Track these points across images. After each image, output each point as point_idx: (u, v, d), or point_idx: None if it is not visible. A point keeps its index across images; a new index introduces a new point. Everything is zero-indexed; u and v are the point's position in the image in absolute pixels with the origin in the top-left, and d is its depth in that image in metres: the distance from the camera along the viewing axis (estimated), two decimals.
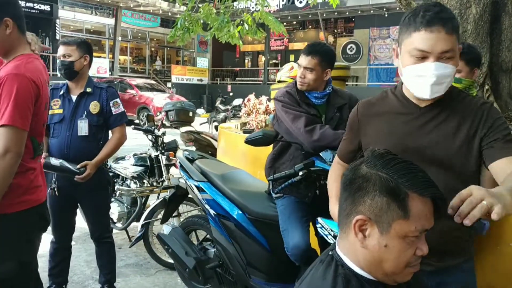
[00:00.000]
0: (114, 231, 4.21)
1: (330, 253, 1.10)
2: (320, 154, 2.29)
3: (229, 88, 21.99)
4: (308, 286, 1.06)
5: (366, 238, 0.99)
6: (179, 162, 3.10)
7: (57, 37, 19.54)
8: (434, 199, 0.99)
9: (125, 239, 4.31)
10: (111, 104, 2.94)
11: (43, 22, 20.33)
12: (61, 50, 2.84)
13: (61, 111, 2.86)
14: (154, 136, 4.04)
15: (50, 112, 2.88)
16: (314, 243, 2.38)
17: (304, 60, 2.43)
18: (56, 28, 20.20)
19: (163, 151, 4.01)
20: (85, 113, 2.86)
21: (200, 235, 3.39)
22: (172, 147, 4.07)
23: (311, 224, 2.47)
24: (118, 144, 2.98)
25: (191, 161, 3.04)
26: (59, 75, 2.95)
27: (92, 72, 3.35)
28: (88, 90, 2.90)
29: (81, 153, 2.79)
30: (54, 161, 2.73)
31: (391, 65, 18.59)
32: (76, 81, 2.89)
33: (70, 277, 3.28)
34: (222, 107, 13.75)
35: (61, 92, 2.90)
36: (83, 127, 2.84)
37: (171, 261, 3.35)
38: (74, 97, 2.89)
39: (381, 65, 19.22)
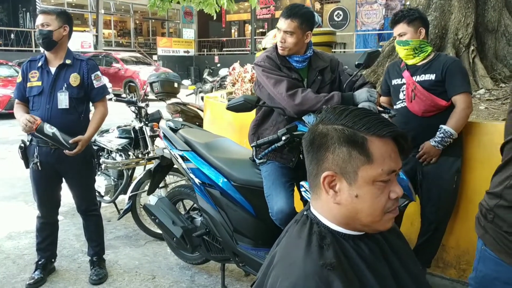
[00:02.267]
0: (103, 204, 4.21)
1: (305, 213, 1.09)
2: (303, 118, 2.26)
3: (216, 59, 21.72)
4: (284, 246, 1.06)
5: (338, 194, 0.98)
6: (163, 132, 3.07)
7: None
8: (395, 138, 0.97)
9: (114, 212, 4.30)
10: (92, 77, 2.87)
11: None
12: (40, 19, 2.76)
13: (39, 83, 2.79)
14: (137, 107, 3.98)
15: (29, 84, 2.81)
16: (299, 208, 2.38)
17: (283, 23, 2.37)
18: (37, 2, 19.65)
19: (147, 122, 3.95)
20: (65, 85, 2.79)
21: (187, 205, 3.40)
22: (156, 118, 4.02)
23: (296, 189, 2.47)
24: (103, 117, 2.97)
25: (175, 130, 3.01)
26: (41, 50, 2.86)
27: (76, 47, 3.27)
28: (68, 62, 2.83)
29: (62, 126, 2.73)
30: (48, 129, 2.68)
31: (378, 31, 18.41)
32: (55, 52, 2.82)
33: (60, 251, 3.29)
34: (210, 78, 13.59)
35: (39, 64, 2.83)
36: (63, 99, 2.78)
37: (160, 231, 3.36)
38: (53, 69, 2.81)
39: (369, 31, 18.98)
